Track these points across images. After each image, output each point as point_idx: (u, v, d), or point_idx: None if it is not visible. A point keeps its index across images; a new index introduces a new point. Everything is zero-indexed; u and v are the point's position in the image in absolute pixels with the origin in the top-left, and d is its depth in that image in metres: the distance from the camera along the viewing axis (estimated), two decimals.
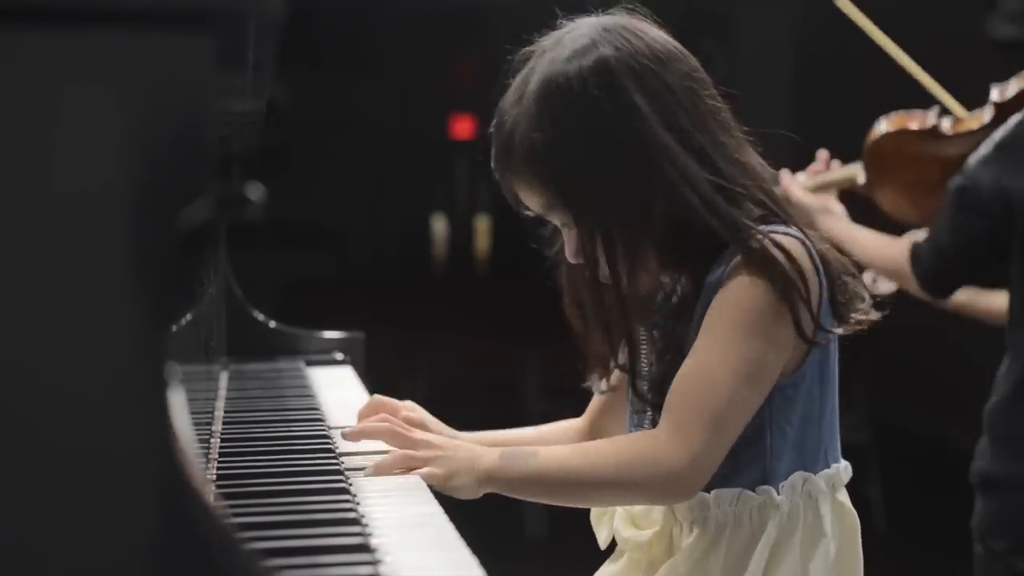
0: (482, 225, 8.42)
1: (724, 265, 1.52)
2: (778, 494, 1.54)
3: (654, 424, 1.58)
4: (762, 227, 1.52)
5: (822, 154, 2.79)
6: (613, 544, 1.68)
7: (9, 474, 0.87)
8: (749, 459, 1.53)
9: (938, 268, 2.49)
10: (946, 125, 2.67)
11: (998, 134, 2.43)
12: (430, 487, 1.48)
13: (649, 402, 1.57)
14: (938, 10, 5.93)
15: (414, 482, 1.48)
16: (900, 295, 2.58)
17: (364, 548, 1.20)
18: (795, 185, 2.74)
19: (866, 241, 2.62)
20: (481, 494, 1.53)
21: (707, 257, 1.54)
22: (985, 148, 2.43)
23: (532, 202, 1.58)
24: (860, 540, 1.62)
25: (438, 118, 8.21)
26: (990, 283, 2.65)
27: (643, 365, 1.60)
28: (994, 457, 2.42)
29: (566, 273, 1.66)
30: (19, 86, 0.88)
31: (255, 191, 1.18)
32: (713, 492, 1.54)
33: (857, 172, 2.76)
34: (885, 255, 2.60)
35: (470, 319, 6.33)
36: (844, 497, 1.60)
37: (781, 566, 1.53)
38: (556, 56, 1.54)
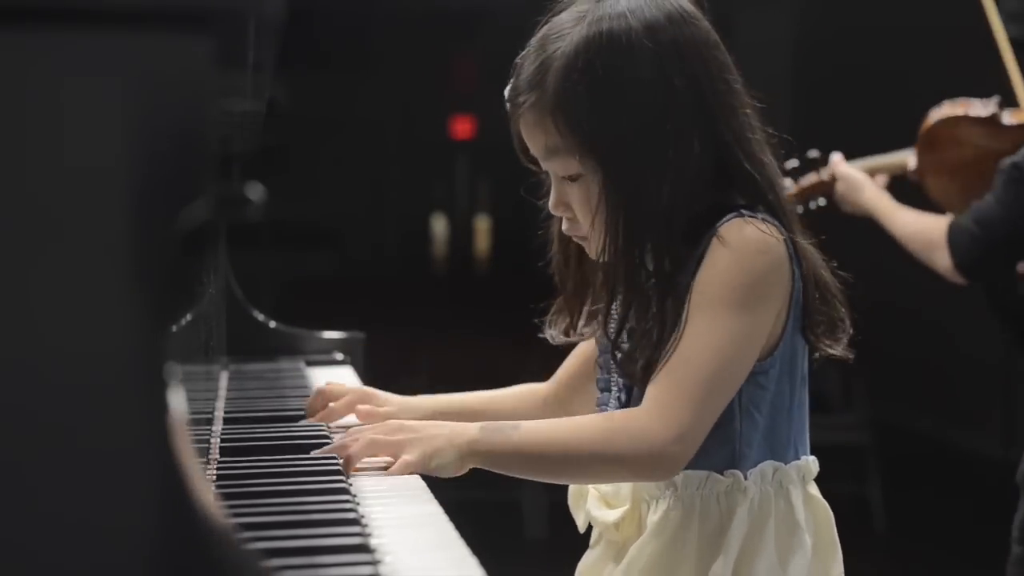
0: (482, 225, 8.43)
1: (702, 247, 1.53)
2: (745, 479, 1.55)
3: (620, 402, 1.60)
4: (744, 211, 1.54)
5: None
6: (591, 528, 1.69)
7: (8, 473, 0.87)
8: (718, 442, 1.54)
9: (977, 240, 2.48)
10: (1006, 116, 2.69)
11: None
12: (425, 481, 1.48)
13: (628, 374, 1.57)
14: (938, 10, 5.93)
15: (414, 482, 1.48)
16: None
17: (364, 548, 1.20)
18: (843, 162, 2.76)
19: (906, 218, 2.64)
20: (466, 469, 1.53)
21: (692, 239, 1.55)
22: None
23: (539, 142, 1.58)
24: (835, 531, 1.62)
25: (438, 118, 8.21)
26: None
27: (621, 338, 1.59)
28: None
29: (559, 226, 1.66)
30: (19, 86, 0.88)
31: (255, 191, 1.18)
32: (681, 473, 1.55)
33: (908, 157, 2.77)
34: (920, 229, 2.59)
35: (470, 319, 6.33)
36: (814, 489, 1.62)
37: (758, 558, 1.54)
38: (610, 10, 1.55)
